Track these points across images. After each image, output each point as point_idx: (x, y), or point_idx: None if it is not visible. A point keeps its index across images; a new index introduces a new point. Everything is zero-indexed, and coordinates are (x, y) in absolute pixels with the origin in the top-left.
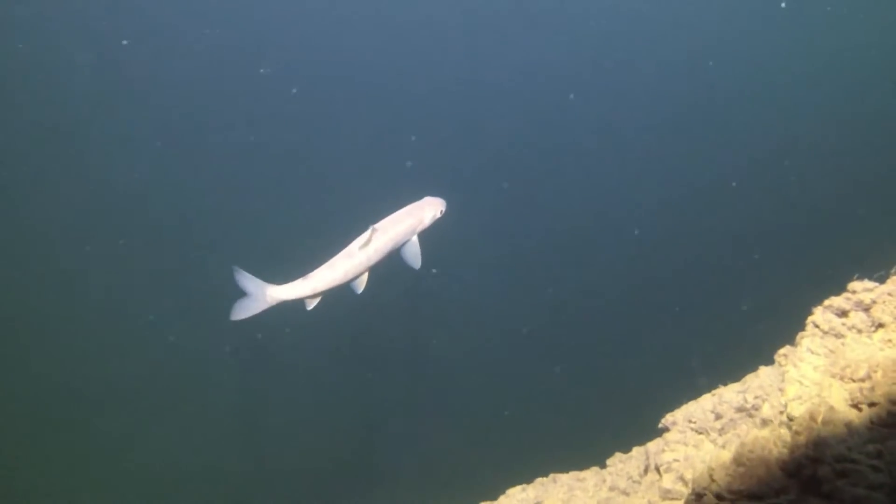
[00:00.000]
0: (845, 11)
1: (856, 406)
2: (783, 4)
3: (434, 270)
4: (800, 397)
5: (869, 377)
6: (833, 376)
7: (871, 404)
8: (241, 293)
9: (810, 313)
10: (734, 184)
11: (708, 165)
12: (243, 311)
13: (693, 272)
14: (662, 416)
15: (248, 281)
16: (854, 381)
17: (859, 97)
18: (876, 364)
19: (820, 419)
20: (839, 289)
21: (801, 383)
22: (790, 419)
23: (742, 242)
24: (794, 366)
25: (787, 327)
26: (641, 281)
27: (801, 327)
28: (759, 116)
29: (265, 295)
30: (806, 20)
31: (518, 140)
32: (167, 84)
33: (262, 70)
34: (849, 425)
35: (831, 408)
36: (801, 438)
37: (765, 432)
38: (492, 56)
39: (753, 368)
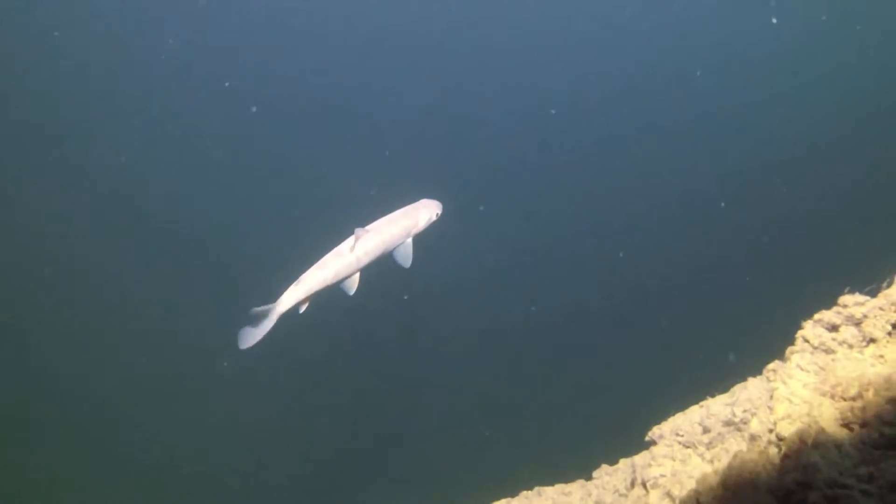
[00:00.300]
0: (840, 19)
1: (847, 426)
2: (774, 20)
3: (406, 297)
4: (789, 416)
5: (860, 396)
6: (823, 394)
7: (863, 424)
8: (246, 321)
9: (800, 327)
10: (723, 204)
11: (701, 176)
12: (252, 337)
13: (683, 283)
14: (650, 424)
15: (258, 311)
16: (845, 399)
17: (854, 109)
18: (867, 382)
19: (810, 441)
20: (829, 302)
21: (790, 401)
22: (779, 439)
23: (733, 254)
24: (784, 383)
25: (776, 338)
26: (631, 290)
27: (791, 340)
28: (751, 130)
29: (270, 315)
30: (798, 33)
31: (508, 151)
32: (148, 88)
33: (226, 83)
34: (840, 447)
35: (821, 429)
36: (791, 462)
37: (753, 454)
38: (486, 68)
39: (742, 378)
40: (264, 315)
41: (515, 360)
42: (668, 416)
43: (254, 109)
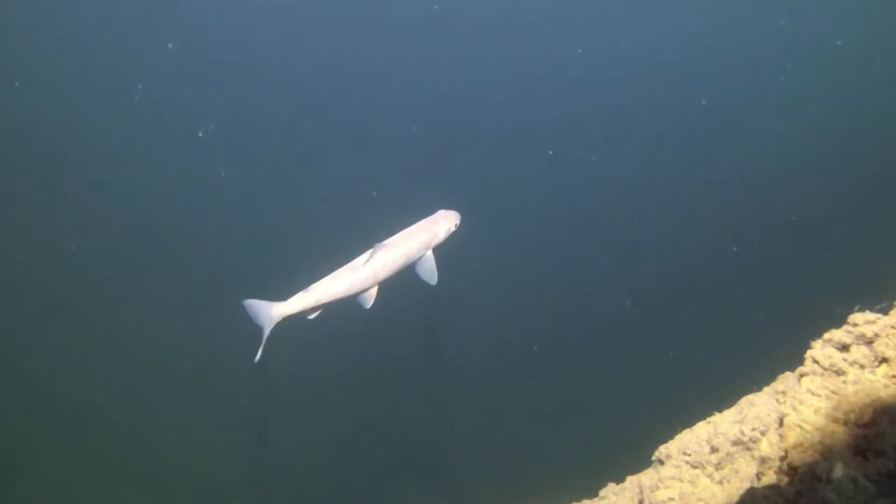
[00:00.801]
0: (858, 44)
1: (862, 455)
2: (789, 65)
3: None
4: (801, 444)
5: (874, 423)
6: (836, 421)
7: (879, 453)
8: (250, 323)
9: (808, 346)
10: (735, 249)
11: (711, 189)
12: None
13: (690, 297)
14: (657, 437)
15: (255, 307)
16: (858, 426)
17: (865, 126)
18: (882, 408)
19: (824, 475)
20: (839, 321)
21: (801, 428)
22: (791, 468)
23: (742, 269)
24: (794, 409)
25: (784, 354)
26: (639, 301)
27: (798, 356)
28: (761, 148)
29: (270, 315)
30: (811, 58)
31: (512, 160)
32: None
33: (200, 133)
34: (855, 480)
35: (836, 461)
36: (805, 500)
37: (765, 490)
38: (487, 72)
39: (749, 390)
40: (262, 310)
41: (518, 375)
42: (676, 432)
43: (223, 173)
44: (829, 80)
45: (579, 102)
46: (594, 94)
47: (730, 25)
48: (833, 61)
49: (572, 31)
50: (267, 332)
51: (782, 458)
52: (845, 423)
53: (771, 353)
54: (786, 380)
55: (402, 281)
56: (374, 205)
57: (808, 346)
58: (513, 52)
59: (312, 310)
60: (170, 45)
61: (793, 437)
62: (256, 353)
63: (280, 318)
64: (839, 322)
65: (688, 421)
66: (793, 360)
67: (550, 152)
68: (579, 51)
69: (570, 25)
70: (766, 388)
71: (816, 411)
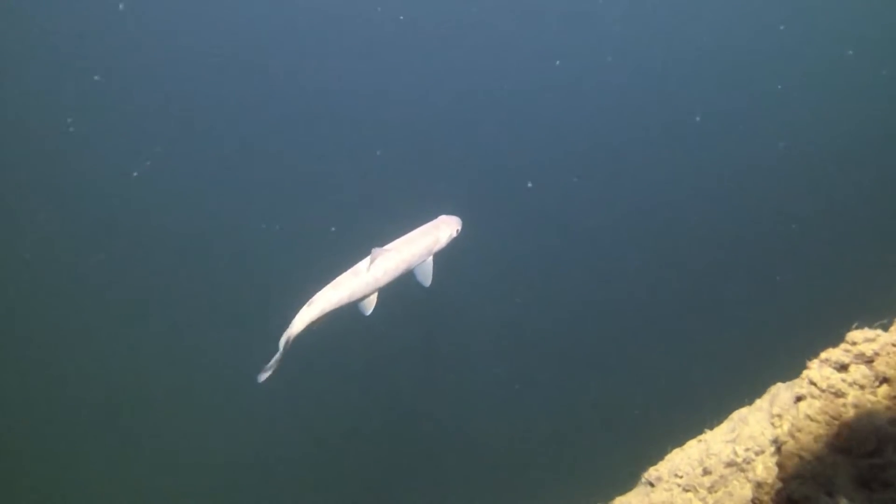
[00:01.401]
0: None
1: (866, 486)
2: (779, 86)
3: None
4: (801, 476)
5: (879, 452)
6: (838, 450)
7: (885, 484)
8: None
9: (805, 367)
10: (731, 289)
11: (704, 198)
12: (268, 368)
13: (681, 306)
14: (647, 452)
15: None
16: (861, 456)
17: (872, 144)
18: (886, 435)
19: None
20: (836, 339)
21: (801, 458)
22: (791, 503)
23: (737, 287)
24: (793, 437)
25: (776, 361)
26: (630, 315)
27: (790, 365)
28: (758, 160)
29: (283, 342)
30: (818, 65)
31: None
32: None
33: (135, 173)
34: None
35: (840, 497)
36: None
37: None
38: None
39: (740, 404)
40: (277, 349)
41: (507, 394)
42: (666, 450)
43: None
44: (833, 91)
45: (577, 108)
46: (591, 100)
47: (731, 30)
48: (840, 71)
49: (569, 38)
50: (279, 354)
51: (780, 490)
52: (847, 451)
53: (762, 365)
54: (777, 393)
55: (401, 287)
56: (371, 210)
57: (803, 362)
58: (512, 56)
59: (318, 321)
60: (96, 78)
61: (792, 467)
62: (263, 373)
63: (291, 341)
64: (837, 340)
65: (678, 436)
66: (784, 371)
67: (529, 184)
68: (557, 63)
69: (565, 32)
70: (757, 402)
71: (816, 439)
